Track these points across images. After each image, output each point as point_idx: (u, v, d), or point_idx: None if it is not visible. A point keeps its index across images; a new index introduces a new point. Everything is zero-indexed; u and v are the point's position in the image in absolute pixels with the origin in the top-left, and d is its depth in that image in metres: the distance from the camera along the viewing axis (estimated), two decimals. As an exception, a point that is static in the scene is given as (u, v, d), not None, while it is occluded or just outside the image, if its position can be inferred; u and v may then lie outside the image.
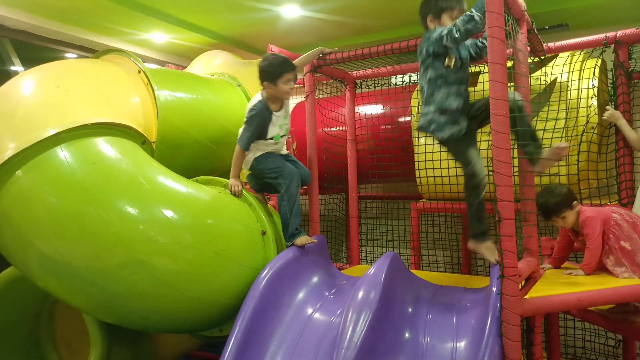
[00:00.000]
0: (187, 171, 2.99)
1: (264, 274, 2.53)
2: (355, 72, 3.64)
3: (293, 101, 4.89)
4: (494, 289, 2.05)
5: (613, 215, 2.50)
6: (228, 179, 3.05)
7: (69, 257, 2.27)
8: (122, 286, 2.35)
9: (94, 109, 2.59)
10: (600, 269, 2.48)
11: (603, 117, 2.92)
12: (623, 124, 2.85)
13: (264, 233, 2.82)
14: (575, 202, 2.53)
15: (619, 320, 2.49)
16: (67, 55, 4.42)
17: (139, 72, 3.17)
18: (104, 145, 2.47)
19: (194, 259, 2.47)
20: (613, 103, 3.01)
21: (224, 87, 3.88)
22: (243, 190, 2.96)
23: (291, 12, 3.78)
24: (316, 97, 3.33)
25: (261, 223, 2.85)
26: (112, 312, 2.53)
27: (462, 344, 2.18)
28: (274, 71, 2.80)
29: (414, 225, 3.54)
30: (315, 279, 2.80)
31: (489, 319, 1.99)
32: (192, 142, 3.40)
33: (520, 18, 2.32)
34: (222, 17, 3.93)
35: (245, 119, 2.91)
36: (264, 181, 3.02)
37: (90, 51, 4.35)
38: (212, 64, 4.19)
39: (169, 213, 2.44)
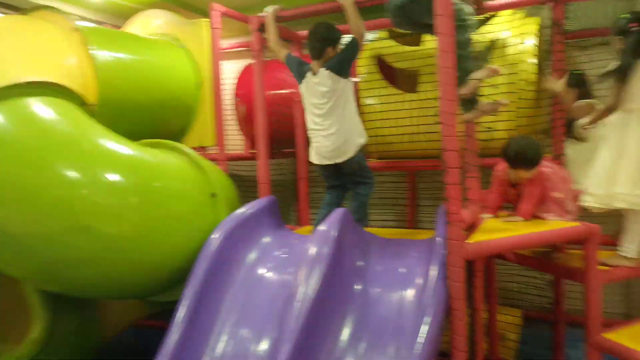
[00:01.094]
0: (131, 136, 2.89)
1: (214, 236, 2.52)
2: (303, 31, 3.60)
3: (241, 65, 4.78)
4: (439, 236, 2.15)
5: (546, 170, 2.66)
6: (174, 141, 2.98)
7: (5, 223, 2.16)
8: (65, 252, 2.27)
9: (26, 68, 2.43)
10: (536, 216, 2.64)
11: (545, 85, 3.06)
12: (561, 92, 2.99)
13: (213, 195, 2.79)
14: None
15: (546, 260, 2.68)
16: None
17: (74, 30, 2.99)
18: (40, 106, 2.34)
19: (142, 222, 2.43)
20: (549, 60, 3.16)
21: (167, 48, 3.74)
22: (193, 153, 2.90)
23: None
24: (264, 59, 3.25)
25: (211, 185, 2.81)
26: (55, 280, 2.45)
27: (410, 290, 2.28)
28: (336, 36, 2.77)
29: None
30: (266, 239, 2.82)
31: (435, 263, 2.09)
32: (135, 105, 3.28)
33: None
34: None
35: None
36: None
37: (12, 9, 4.01)
38: (151, 24, 4.00)
39: (113, 176, 2.37)
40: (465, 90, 2.40)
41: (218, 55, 3.66)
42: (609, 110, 2.40)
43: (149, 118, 3.46)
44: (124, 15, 4.51)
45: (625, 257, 2.45)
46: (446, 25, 1.97)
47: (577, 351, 3.40)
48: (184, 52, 3.82)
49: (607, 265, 2.45)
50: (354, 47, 2.72)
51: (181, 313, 2.28)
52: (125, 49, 3.36)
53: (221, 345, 2.32)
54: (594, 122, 2.50)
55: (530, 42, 3.13)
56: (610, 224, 2.71)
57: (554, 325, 2.98)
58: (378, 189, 4.39)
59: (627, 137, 2.36)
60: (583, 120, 2.78)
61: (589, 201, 2.46)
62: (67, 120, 2.42)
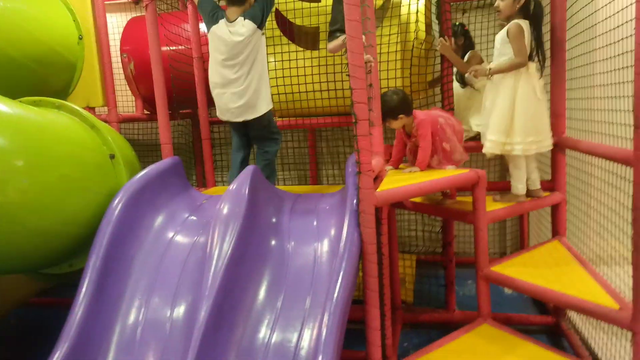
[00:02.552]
0: (5, 95, 2.55)
1: (117, 199, 2.37)
2: (196, -17, 3.40)
3: (125, 19, 4.40)
4: (351, 185, 2.25)
5: (439, 120, 2.87)
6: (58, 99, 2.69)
7: None
8: (-58, 227, 1.99)
9: None
10: (430, 166, 2.87)
11: (436, 48, 3.27)
12: (451, 55, 3.23)
13: (112, 156, 2.60)
14: (409, 111, 2.83)
15: (439, 206, 2.97)
16: None
17: None
18: None
19: (31, 188, 2.19)
20: (438, 22, 3.37)
21: (40, -4, 3.31)
22: (84, 112, 2.64)
23: None
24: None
25: (108, 146, 2.61)
26: None
27: (324, 241, 2.37)
28: None
29: (267, 143, 3.59)
30: (174, 201, 2.72)
31: (348, 212, 2.19)
32: (7, 60, 2.88)
33: None
34: None
35: None
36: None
37: None
38: (17, -32, 3.50)
39: (-7, 138, 2.09)
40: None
41: (102, 6, 3.33)
42: (519, 65, 2.59)
43: (24, 74, 3.05)
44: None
45: (517, 195, 2.84)
46: None
47: (463, 288, 3.85)
48: (60, 1, 3.41)
49: (502, 202, 2.84)
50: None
51: (86, 284, 2.13)
52: (-12, -6, 2.91)
53: (134, 313, 2.22)
54: (498, 72, 2.67)
55: (421, 3, 3.31)
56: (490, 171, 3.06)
57: (446, 265, 3.31)
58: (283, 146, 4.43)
59: (517, 89, 2.63)
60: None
61: (489, 147, 2.74)
62: None
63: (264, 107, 2.82)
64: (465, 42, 3.67)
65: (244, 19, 2.62)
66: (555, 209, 2.98)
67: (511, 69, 2.63)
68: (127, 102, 4.36)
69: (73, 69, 3.42)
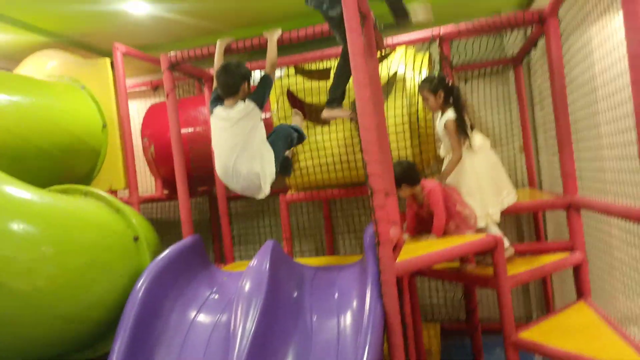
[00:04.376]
0: (35, 183, 2.68)
1: (141, 282, 2.41)
2: (212, 69, 3.63)
3: (144, 105, 4.67)
4: (371, 256, 2.27)
5: (446, 188, 2.94)
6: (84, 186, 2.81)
7: None
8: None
9: None
10: (446, 233, 2.90)
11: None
12: (446, 171, 3.20)
13: (136, 239, 2.68)
14: (414, 180, 2.91)
15: (460, 272, 2.96)
16: None
17: (-39, 73, 2.75)
18: None
19: (59, 274, 2.25)
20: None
21: (67, 90, 3.57)
22: (110, 197, 2.74)
23: (137, 9, 3.58)
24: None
25: (132, 229, 2.70)
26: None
27: (347, 314, 2.36)
28: (248, 73, 2.78)
29: (284, 217, 3.67)
30: (195, 280, 2.75)
31: (370, 283, 2.20)
32: (37, 151, 3.07)
33: (367, 15, 2.59)
34: (58, 13, 3.53)
35: None
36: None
37: None
38: (46, 65, 3.80)
39: (24, 227, 2.19)
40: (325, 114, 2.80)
41: (125, 96, 3.55)
42: (457, 161, 2.89)
43: (52, 163, 3.23)
44: (12, 57, 4.21)
45: (505, 249, 2.80)
46: (360, 63, 2.14)
47: (492, 356, 3.72)
48: (85, 93, 3.66)
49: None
50: (269, 82, 2.80)
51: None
52: (20, 92, 3.15)
53: (160, 395, 2.20)
54: (448, 175, 2.92)
55: (424, 74, 3.48)
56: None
57: (471, 333, 3.23)
58: (296, 219, 4.49)
59: (474, 166, 2.90)
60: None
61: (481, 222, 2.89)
62: (-35, 171, 2.21)
63: (268, 185, 2.82)
64: (446, 96, 3.06)
65: (244, 102, 2.69)
66: (577, 270, 2.95)
67: (453, 167, 2.90)
68: (146, 183, 4.51)
69: (97, 155, 3.60)
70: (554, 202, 3.10)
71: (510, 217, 3.26)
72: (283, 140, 2.91)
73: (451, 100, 2.93)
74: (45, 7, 3.43)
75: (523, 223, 4.29)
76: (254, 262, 2.51)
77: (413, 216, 3.08)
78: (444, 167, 3.02)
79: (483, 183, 2.90)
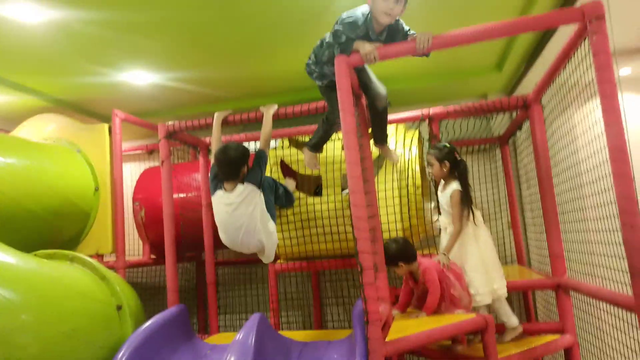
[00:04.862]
0: (21, 245, 2.66)
1: (121, 354, 2.33)
2: (208, 138, 3.71)
3: (138, 168, 4.71)
4: (359, 336, 2.23)
5: (442, 267, 2.94)
6: (70, 250, 2.78)
7: None
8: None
9: None
10: (436, 312, 2.87)
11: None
12: (447, 246, 3.37)
13: (119, 308, 2.61)
14: (409, 258, 2.91)
15: (451, 352, 2.89)
16: None
17: (-40, 135, 2.79)
18: None
19: (36, 344, 2.17)
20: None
21: (62, 153, 3.60)
22: (96, 263, 2.71)
23: (139, 79, 3.72)
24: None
25: (116, 297, 2.64)
26: None
27: (333, 394, 2.28)
28: (247, 154, 2.83)
29: (273, 287, 3.61)
30: (178, 352, 2.66)
31: (358, 364, 2.14)
32: (26, 213, 3.05)
33: (359, 95, 2.72)
34: (61, 79, 3.66)
35: None
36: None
37: None
38: (44, 128, 3.86)
39: (4, 293, 2.13)
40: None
41: (120, 161, 3.59)
42: (458, 232, 2.87)
43: (41, 226, 3.21)
44: (12, 119, 4.30)
45: (514, 328, 2.86)
46: (351, 139, 2.22)
47: None
48: (80, 156, 3.70)
49: (504, 342, 2.81)
50: (264, 158, 2.88)
51: None
52: (17, 154, 3.18)
53: None
54: (450, 249, 2.88)
55: (414, 152, 3.59)
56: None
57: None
58: (284, 289, 4.41)
59: (479, 241, 2.89)
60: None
61: (481, 301, 2.84)
62: (-49, 234, 2.18)
63: (272, 252, 2.94)
64: (451, 168, 3.04)
65: (243, 184, 2.78)
66: (569, 353, 2.90)
67: (455, 240, 2.88)
68: (134, 246, 4.45)
69: (87, 218, 3.58)
70: (542, 282, 3.10)
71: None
72: (271, 195, 2.98)
73: (456, 174, 2.94)
74: (49, 75, 3.56)
75: (513, 300, 4.26)
76: (239, 335, 2.44)
77: (408, 292, 3.05)
78: (443, 239, 3.01)
79: (487, 258, 2.88)
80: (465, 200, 2.89)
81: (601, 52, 1.86)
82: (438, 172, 2.98)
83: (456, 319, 2.63)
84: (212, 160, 3.01)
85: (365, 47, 2.19)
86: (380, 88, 2.58)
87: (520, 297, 4.16)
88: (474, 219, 2.89)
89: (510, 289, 2.93)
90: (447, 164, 2.93)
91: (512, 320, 2.87)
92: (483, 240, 2.91)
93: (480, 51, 3.65)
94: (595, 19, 1.90)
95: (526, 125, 3.49)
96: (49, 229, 3.28)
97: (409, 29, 2.35)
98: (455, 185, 2.91)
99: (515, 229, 4.25)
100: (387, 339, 2.23)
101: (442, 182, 3.02)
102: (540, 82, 2.86)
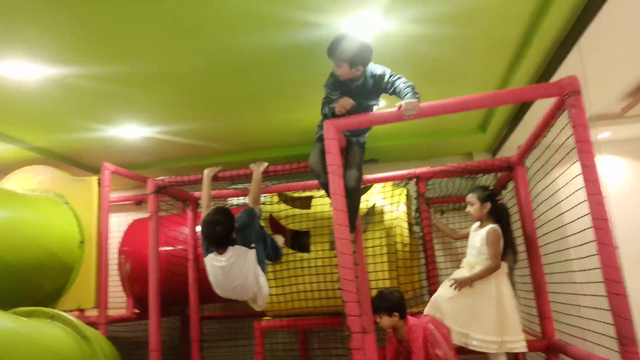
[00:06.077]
0: (-2, 301, 2.59)
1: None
2: (197, 192, 3.72)
3: (125, 219, 4.68)
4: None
5: (429, 326, 2.91)
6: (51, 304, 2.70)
7: None
8: None
9: None
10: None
11: (431, 224, 3.51)
12: (441, 226, 3.46)
13: (99, 369, 2.52)
14: (404, 312, 2.88)
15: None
16: None
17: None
18: None
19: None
20: (419, 224, 3.65)
21: (48, 205, 3.57)
22: (77, 322, 2.64)
23: (130, 133, 3.77)
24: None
25: (96, 358, 2.55)
26: None
27: None
28: (234, 220, 2.80)
29: (258, 345, 3.52)
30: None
31: None
32: (5, 267, 2.98)
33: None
34: (52, 134, 3.70)
35: None
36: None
37: None
38: (33, 179, 3.85)
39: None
40: None
41: (107, 215, 3.57)
42: (494, 269, 2.82)
43: (20, 281, 3.14)
44: (2, 170, 4.29)
45: None
46: (338, 186, 2.24)
47: None
48: (67, 208, 3.67)
49: None
50: (253, 216, 2.88)
51: None
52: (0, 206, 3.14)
53: None
54: (477, 279, 2.83)
55: (402, 209, 3.63)
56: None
57: None
58: (270, 346, 4.30)
59: (502, 289, 2.81)
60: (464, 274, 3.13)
61: (482, 347, 2.77)
62: None
63: (264, 302, 2.97)
64: (491, 211, 3.02)
65: (234, 246, 2.77)
66: (560, 419, 2.84)
67: (487, 274, 2.83)
68: (116, 299, 4.35)
69: (70, 271, 3.51)
70: (533, 344, 3.07)
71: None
72: (262, 245, 2.97)
73: (495, 217, 2.93)
74: (41, 129, 3.60)
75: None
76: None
77: (393, 351, 3.00)
78: (456, 273, 2.97)
79: (507, 309, 2.79)
80: (510, 243, 2.87)
81: (579, 125, 1.95)
82: (477, 212, 2.97)
83: (445, 384, 2.58)
84: (202, 214, 3.02)
85: (340, 101, 2.37)
86: (352, 174, 2.56)
87: (511, 356, 4.09)
88: (506, 267, 2.85)
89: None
90: (489, 205, 2.93)
91: None
92: (506, 291, 2.83)
93: (465, 115, 3.78)
94: (573, 93, 2.00)
95: (512, 185, 3.56)
96: (29, 284, 3.20)
97: (395, 78, 2.40)
98: (493, 225, 2.89)
99: (503, 287, 4.23)
100: (374, 406, 2.17)
101: (478, 223, 3.02)
102: (523, 146, 2.95)
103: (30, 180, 3.80)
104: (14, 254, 3.08)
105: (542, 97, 2.17)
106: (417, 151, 4.54)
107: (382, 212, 3.58)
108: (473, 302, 2.85)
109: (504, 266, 2.89)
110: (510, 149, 3.25)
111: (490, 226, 2.90)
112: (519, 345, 2.75)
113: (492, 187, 3.05)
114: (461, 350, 2.85)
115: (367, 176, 3.49)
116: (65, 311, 2.94)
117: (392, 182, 3.80)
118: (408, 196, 3.88)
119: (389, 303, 2.85)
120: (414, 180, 3.55)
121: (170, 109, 3.45)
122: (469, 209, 3.04)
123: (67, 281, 3.50)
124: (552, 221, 2.91)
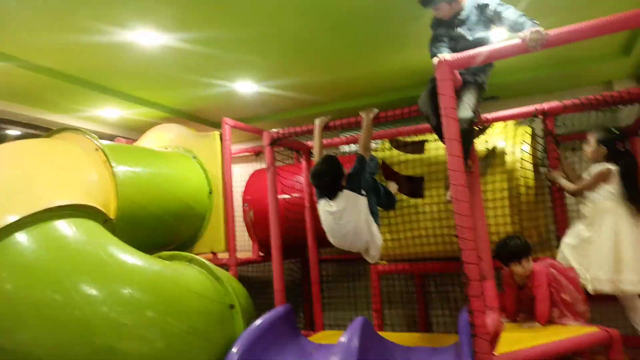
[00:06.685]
0: (145, 246, 2.94)
1: (235, 349, 2.49)
2: (310, 142, 3.80)
3: (247, 169, 4.98)
4: (466, 349, 2.15)
5: (551, 270, 2.73)
6: (188, 248, 3.01)
7: (30, 347, 2.13)
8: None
9: (54, 191, 2.54)
10: (550, 321, 2.67)
11: (544, 176, 3.25)
12: (559, 180, 3.17)
13: (232, 307, 2.79)
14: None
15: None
16: (9, 132, 4.27)
17: (96, 149, 3.16)
18: (67, 228, 2.42)
19: (161, 339, 2.39)
20: (546, 165, 3.35)
21: (181, 160, 3.92)
22: (211, 265, 2.93)
23: (245, 88, 3.93)
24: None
25: (229, 297, 2.82)
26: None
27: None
28: (342, 169, 2.84)
29: (375, 287, 3.62)
30: (285, 350, 2.78)
31: (465, 378, 2.07)
32: (151, 217, 3.37)
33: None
34: (177, 93, 4.01)
35: None
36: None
37: (36, 128, 4.25)
38: (165, 137, 4.23)
39: (133, 292, 2.38)
40: None
41: (229, 166, 3.82)
42: (570, 191, 2.88)
43: (163, 228, 3.53)
44: (137, 129, 4.78)
45: None
46: (453, 130, 2.13)
47: None
48: (195, 163, 3.99)
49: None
50: (363, 163, 2.87)
51: None
52: (143, 163, 3.52)
53: None
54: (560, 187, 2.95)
55: (526, 149, 3.35)
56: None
57: None
58: (388, 290, 4.40)
59: (621, 227, 2.67)
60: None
61: (599, 286, 2.64)
62: (91, 240, 2.49)
63: (378, 253, 2.99)
64: (608, 155, 2.91)
65: (343, 191, 2.79)
66: None
67: (564, 189, 2.96)
68: (245, 244, 4.73)
69: (202, 219, 3.87)
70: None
71: None
72: (374, 196, 2.99)
73: (614, 163, 2.82)
74: (165, 89, 3.91)
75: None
76: (343, 337, 2.48)
77: (514, 299, 2.89)
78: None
79: (621, 247, 2.66)
80: (632, 186, 2.71)
81: None
82: (591, 154, 2.91)
83: (575, 332, 2.44)
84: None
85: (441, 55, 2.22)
86: (463, 111, 2.38)
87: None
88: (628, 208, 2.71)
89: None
90: (604, 150, 2.84)
91: None
92: (625, 227, 2.68)
93: (603, 36, 3.28)
94: None
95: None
96: (170, 231, 3.60)
97: (503, 7, 2.24)
98: (608, 165, 2.79)
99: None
100: (497, 352, 2.13)
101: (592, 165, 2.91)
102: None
103: (162, 138, 4.18)
104: (157, 205, 3.46)
105: None
106: (542, 85, 4.09)
107: (503, 154, 3.34)
108: (594, 246, 2.73)
109: (622, 206, 2.73)
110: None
111: (608, 166, 2.76)
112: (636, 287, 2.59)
113: (618, 132, 2.82)
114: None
115: (487, 115, 3.26)
116: (200, 254, 3.28)
117: (514, 121, 3.51)
118: (533, 135, 3.56)
119: (519, 250, 2.74)
120: (540, 117, 3.24)
121: (278, 65, 3.52)
122: (584, 146, 2.93)
123: (200, 228, 3.87)
124: None
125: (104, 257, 2.44)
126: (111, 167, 3.10)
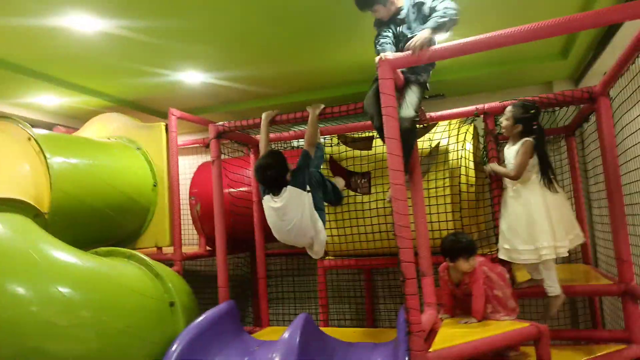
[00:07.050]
0: (84, 241, 2.84)
1: (173, 348, 2.44)
2: (258, 135, 3.75)
3: (196, 161, 4.87)
4: (402, 347, 2.19)
5: (483, 268, 2.82)
6: (128, 248, 2.93)
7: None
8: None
9: (-20, 184, 2.39)
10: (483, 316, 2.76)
11: (485, 170, 3.32)
12: (499, 169, 3.25)
13: (172, 304, 2.73)
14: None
15: (500, 356, 2.78)
16: None
17: (29, 139, 3.00)
18: (-8, 223, 2.28)
19: (95, 339, 2.32)
20: (486, 163, 3.44)
21: (123, 151, 3.78)
22: (151, 261, 2.84)
23: (192, 78, 3.83)
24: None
25: (169, 294, 2.76)
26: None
27: (375, 401, 2.27)
28: (286, 164, 2.80)
29: (321, 283, 3.63)
30: (227, 348, 2.75)
31: (399, 374, 2.11)
32: (89, 210, 3.24)
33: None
34: (120, 81, 3.85)
35: None
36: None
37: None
38: (108, 127, 4.07)
39: (65, 290, 2.29)
40: None
41: (176, 158, 3.72)
42: (510, 178, 2.86)
43: (104, 222, 3.40)
44: (78, 117, 4.57)
45: (557, 296, 2.76)
46: (393, 130, 2.15)
47: None
48: (139, 154, 3.87)
49: (550, 317, 2.80)
50: (308, 158, 2.85)
51: None
52: (80, 154, 3.37)
53: None
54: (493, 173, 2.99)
55: (468, 147, 3.43)
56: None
57: None
58: (335, 285, 4.43)
59: (550, 201, 2.78)
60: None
61: (524, 258, 2.77)
62: (19, 236, 2.37)
63: (322, 249, 2.98)
64: (523, 131, 2.95)
65: (286, 188, 2.77)
66: (635, 366, 2.70)
67: (505, 176, 2.91)
68: (191, 238, 4.64)
69: (146, 212, 3.76)
70: (607, 288, 2.90)
71: (566, 300, 3.07)
72: (319, 191, 2.98)
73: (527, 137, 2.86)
74: (108, 78, 3.75)
75: (578, 307, 4.03)
76: (285, 334, 2.48)
77: (450, 295, 2.96)
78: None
79: (554, 216, 2.76)
80: (543, 159, 2.80)
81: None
82: (507, 128, 2.92)
83: (506, 327, 2.52)
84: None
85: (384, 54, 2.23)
86: (405, 110, 2.45)
87: (587, 303, 3.92)
88: (545, 183, 2.79)
89: (574, 294, 2.77)
90: (520, 127, 2.85)
91: (556, 287, 2.75)
92: (552, 200, 2.79)
93: (543, 39, 3.40)
94: (667, 13, 1.70)
95: (594, 117, 3.23)
96: (112, 225, 3.47)
97: (438, 2, 2.29)
98: (529, 138, 2.81)
99: (581, 226, 3.97)
100: (431, 349, 2.17)
101: (510, 143, 2.96)
102: (608, 75, 2.62)
103: (105, 128, 4.02)
104: (96, 198, 3.33)
105: (632, 18, 1.87)
106: (487, 83, 4.20)
107: (446, 152, 3.41)
108: (509, 219, 2.85)
109: (535, 179, 2.83)
110: (597, 76, 2.89)
111: (526, 139, 2.81)
112: (548, 251, 2.70)
113: (534, 110, 2.84)
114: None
115: (431, 113, 3.31)
116: (144, 249, 3.20)
117: (458, 119, 3.58)
118: (475, 133, 3.66)
119: (467, 246, 2.77)
120: (481, 116, 3.32)
121: (226, 56, 3.46)
122: (501, 120, 2.96)
123: (144, 222, 3.76)
124: (638, 158, 2.62)
125: (32, 255, 2.33)
126: (45, 157, 2.95)
